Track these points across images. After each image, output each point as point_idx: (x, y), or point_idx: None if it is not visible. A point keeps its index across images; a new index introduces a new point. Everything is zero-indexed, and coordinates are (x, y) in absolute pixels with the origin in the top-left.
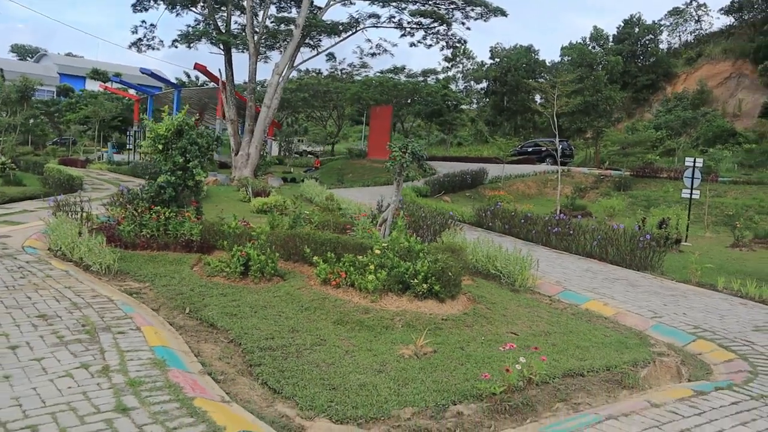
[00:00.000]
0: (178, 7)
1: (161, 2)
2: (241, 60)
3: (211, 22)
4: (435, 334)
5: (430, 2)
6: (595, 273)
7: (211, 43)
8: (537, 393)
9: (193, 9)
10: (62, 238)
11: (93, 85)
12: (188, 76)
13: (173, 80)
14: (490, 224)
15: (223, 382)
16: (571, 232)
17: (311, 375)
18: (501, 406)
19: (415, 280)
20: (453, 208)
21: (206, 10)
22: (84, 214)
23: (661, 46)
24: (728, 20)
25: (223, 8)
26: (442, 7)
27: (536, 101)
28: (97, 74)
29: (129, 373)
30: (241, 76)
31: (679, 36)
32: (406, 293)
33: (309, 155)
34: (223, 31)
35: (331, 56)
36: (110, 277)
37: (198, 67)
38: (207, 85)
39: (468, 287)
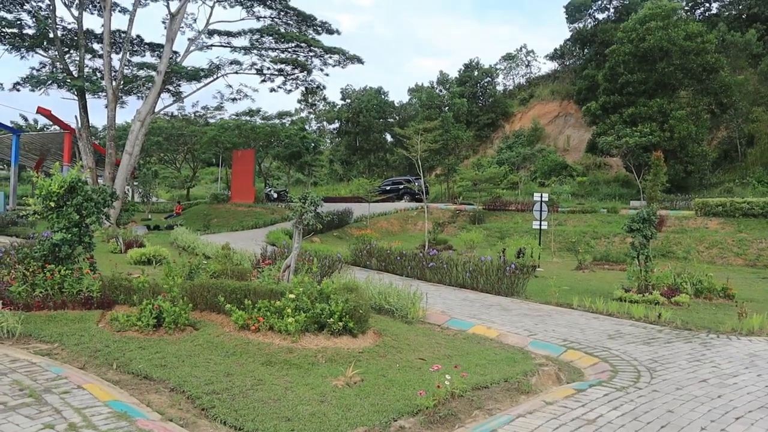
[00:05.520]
0: (22, 50)
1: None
2: (91, 103)
3: (60, 65)
4: (357, 366)
5: (289, 50)
6: (472, 301)
7: (59, 87)
8: (457, 404)
9: (39, 52)
10: None
11: None
12: (25, 119)
13: (8, 124)
14: (367, 263)
15: (186, 426)
16: (445, 265)
17: (264, 411)
18: (433, 417)
19: (332, 319)
20: (327, 249)
21: (53, 53)
22: None
23: (498, 87)
24: (553, 65)
25: (72, 51)
26: (302, 55)
27: (388, 140)
28: None
29: (99, 427)
30: (91, 119)
31: (513, 78)
32: (322, 332)
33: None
34: (76, 76)
35: (178, 97)
36: (13, 341)
37: (42, 111)
38: (48, 129)
39: (369, 323)
